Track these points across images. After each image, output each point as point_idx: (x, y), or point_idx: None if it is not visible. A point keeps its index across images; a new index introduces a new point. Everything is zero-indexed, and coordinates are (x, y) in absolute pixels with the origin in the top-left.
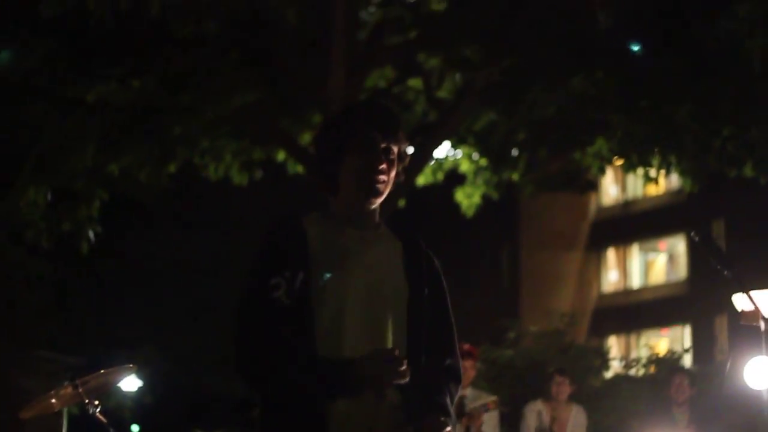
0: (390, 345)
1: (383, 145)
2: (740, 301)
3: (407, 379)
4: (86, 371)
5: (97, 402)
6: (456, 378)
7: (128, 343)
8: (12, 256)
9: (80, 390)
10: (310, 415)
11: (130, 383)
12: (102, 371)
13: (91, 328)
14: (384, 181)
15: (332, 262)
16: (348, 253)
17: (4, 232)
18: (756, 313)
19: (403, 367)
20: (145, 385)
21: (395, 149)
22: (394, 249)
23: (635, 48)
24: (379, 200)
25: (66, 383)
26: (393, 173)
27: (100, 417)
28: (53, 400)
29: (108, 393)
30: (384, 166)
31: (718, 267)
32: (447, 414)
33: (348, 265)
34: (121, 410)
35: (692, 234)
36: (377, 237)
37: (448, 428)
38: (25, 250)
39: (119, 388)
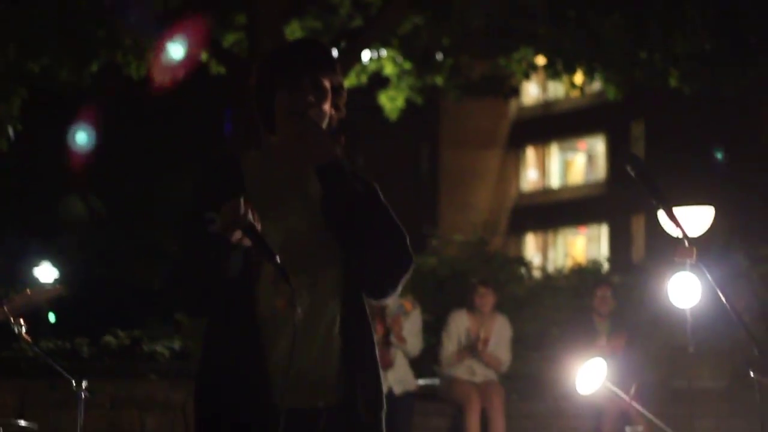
0: (326, 275)
1: (310, 77)
2: (666, 221)
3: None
4: (4, 267)
5: (22, 321)
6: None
7: (44, 234)
8: None
9: (5, 309)
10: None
11: (47, 273)
12: (28, 291)
13: (6, 219)
14: (314, 114)
15: (267, 198)
16: (283, 188)
17: None
18: (691, 250)
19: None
20: (61, 276)
21: (326, 82)
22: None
23: None
24: None
25: None
26: (326, 106)
27: (26, 337)
28: None
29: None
30: (311, 98)
31: (654, 202)
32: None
33: (282, 201)
34: (41, 305)
35: (628, 168)
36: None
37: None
38: None
39: (36, 278)
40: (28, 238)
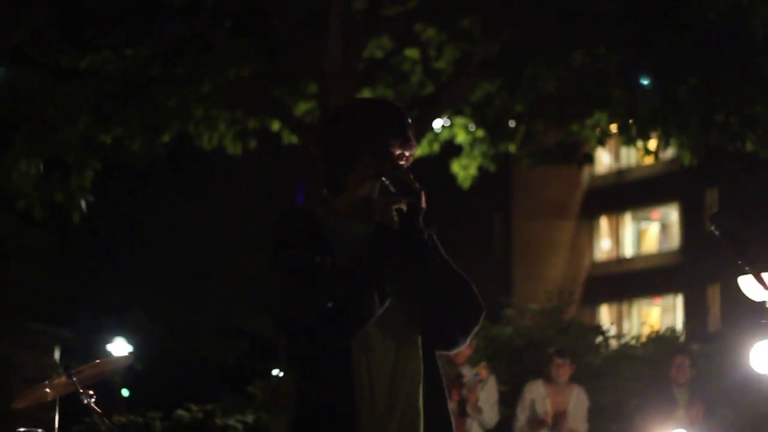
0: (409, 335)
1: (398, 152)
2: (746, 285)
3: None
4: (76, 341)
5: (91, 392)
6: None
7: (119, 310)
8: (4, 225)
9: (74, 379)
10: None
11: (121, 349)
12: (97, 361)
13: (81, 295)
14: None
15: (347, 254)
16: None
17: None
18: None
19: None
20: (135, 350)
21: (408, 154)
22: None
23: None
24: None
25: (60, 373)
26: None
27: (95, 407)
28: (47, 390)
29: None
30: (402, 163)
31: (739, 262)
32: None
33: None
34: (111, 375)
35: (713, 228)
36: None
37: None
38: (16, 219)
39: (110, 353)
40: (102, 315)
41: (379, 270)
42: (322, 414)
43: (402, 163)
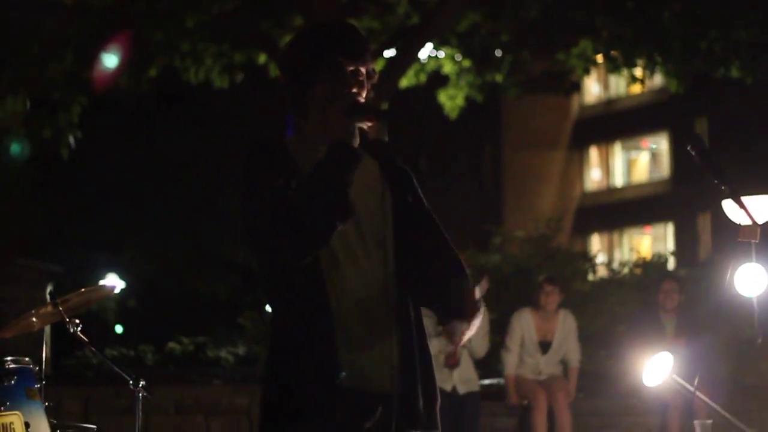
0: (384, 260)
1: (351, 68)
2: (730, 209)
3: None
4: (68, 277)
5: (78, 321)
6: (462, 269)
7: (111, 246)
8: None
9: (60, 309)
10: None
11: (113, 284)
12: (83, 290)
13: (73, 232)
14: (360, 100)
15: None
16: None
17: None
18: (754, 229)
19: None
20: (127, 287)
21: (363, 70)
22: (371, 168)
23: None
24: None
25: (47, 302)
26: (364, 94)
27: (81, 336)
28: (33, 319)
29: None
30: (355, 90)
31: (716, 182)
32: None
33: None
34: (104, 312)
35: (689, 148)
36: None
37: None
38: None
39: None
40: (95, 252)
41: (333, 185)
42: (297, 339)
43: (360, 79)
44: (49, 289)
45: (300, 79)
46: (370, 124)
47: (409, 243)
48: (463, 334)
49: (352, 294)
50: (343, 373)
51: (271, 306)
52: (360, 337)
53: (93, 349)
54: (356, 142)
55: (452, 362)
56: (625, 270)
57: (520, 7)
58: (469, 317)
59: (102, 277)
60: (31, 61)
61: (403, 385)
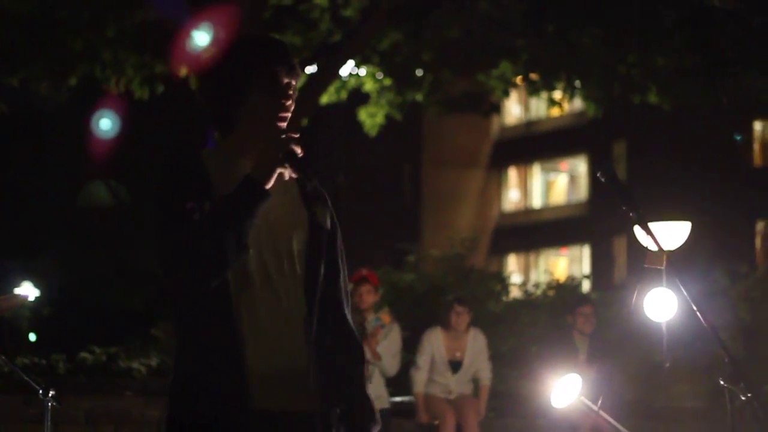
0: (290, 273)
1: (286, 81)
2: (641, 235)
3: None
4: None
5: None
6: (362, 359)
7: (25, 253)
8: None
9: None
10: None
11: (28, 293)
12: (15, 294)
13: None
14: (287, 119)
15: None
16: None
17: None
18: (660, 256)
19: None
20: (42, 295)
21: (294, 84)
22: (288, 184)
23: None
24: None
25: None
26: (291, 109)
27: None
28: None
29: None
30: (290, 103)
31: (624, 209)
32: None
33: None
34: (18, 320)
35: (598, 174)
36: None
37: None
38: None
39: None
40: (8, 260)
41: (236, 221)
42: (204, 359)
43: (291, 92)
44: None
45: (233, 91)
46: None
47: (318, 266)
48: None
49: (265, 315)
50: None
51: (175, 325)
52: (273, 358)
53: (2, 357)
54: (274, 174)
55: None
56: (539, 291)
57: (441, 27)
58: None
59: (16, 285)
60: None
61: (324, 404)
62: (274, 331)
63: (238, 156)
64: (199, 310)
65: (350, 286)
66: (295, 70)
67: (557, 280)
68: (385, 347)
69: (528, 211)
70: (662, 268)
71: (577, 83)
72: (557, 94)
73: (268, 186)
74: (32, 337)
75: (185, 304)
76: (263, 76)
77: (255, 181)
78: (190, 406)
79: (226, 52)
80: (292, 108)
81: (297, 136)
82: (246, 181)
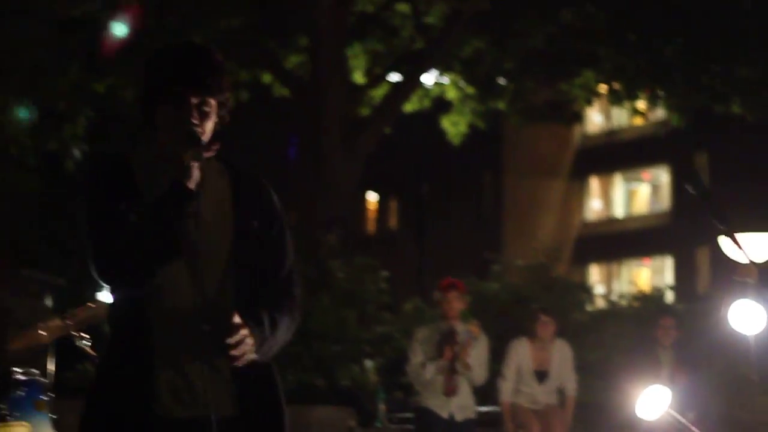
0: (215, 283)
1: (196, 101)
2: (727, 246)
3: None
4: (69, 291)
5: (86, 335)
6: (285, 294)
7: None
8: None
9: (69, 323)
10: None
11: (107, 300)
12: (90, 305)
13: (75, 248)
14: (199, 133)
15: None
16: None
17: None
18: (752, 269)
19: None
20: None
21: (212, 101)
22: (220, 185)
23: None
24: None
25: (50, 314)
26: (209, 124)
27: (88, 350)
28: (42, 332)
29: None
30: (195, 120)
31: (713, 221)
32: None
33: None
34: (104, 321)
35: (686, 185)
36: (203, 174)
37: (245, 337)
38: (11, 165)
39: (100, 301)
40: (84, 266)
41: (164, 227)
42: (116, 360)
43: (206, 110)
44: (48, 300)
45: (146, 100)
46: (206, 156)
47: (245, 267)
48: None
49: (178, 316)
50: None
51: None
52: (182, 361)
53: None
54: (196, 174)
55: (450, 389)
56: (624, 302)
57: (524, 36)
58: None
59: (99, 290)
60: (38, 72)
61: (238, 407)
62: (186, 333)
63: (159, 160)
64: (120, 312)
65: (438, 294)
66: (209, 89)
67: (642, 292)
68: (473, 357)
69: (610, 221)
70: (753, 281)
71: (660, 92)
72: (640, 104)
73: (191, 186)
74: None
75: (112, 306)
76: (169, 93)
77: (180, 185)
78: (101, 407)
79: (151, 59)
80: (206, 126)
81: (202, 141)
82: (171, 187)
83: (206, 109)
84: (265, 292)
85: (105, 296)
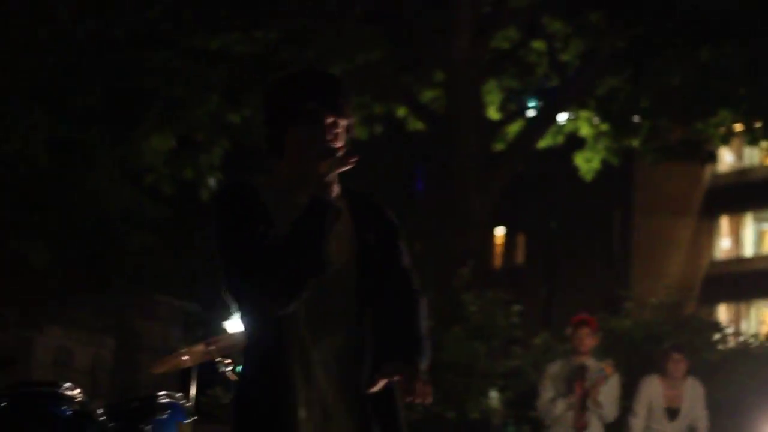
0: (340, 305)
1: (329, 120)
2: None
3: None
4: (198, 315)
5: (228, 360)
6: (409, 283)
7: None
8: (132, 199)
9: (212, 348)
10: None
11: (236, 325)
12: (233, 332)
13: (204, 274)
14: (336, 149)
15: (286, 227)
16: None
17: (126, 175)
18: None
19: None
20: None
21: (342, 123)
22: (340, 203)
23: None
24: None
25: (189, 340)
26: (339, 147)
27: (231, 375)
28: (185, 357)
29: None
30: (333, 139)
31: None
32: (415, 353)
33: None
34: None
35: None
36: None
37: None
38: (143, 194)
39: (225, 330)
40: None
41: (311, 242)
42: (257, 397)
43: (337, 131)
44: (178, 327)
45: (277, 122)
46: (347, 168)
47: (368, 280)
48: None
49: (312, 339)
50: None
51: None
52: (318, 385)
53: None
54: (334, 190)
55: (581, 425)
56: (755, 341)
57: (660, 73)
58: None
59: (226, 318)
60: (177, 102)
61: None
62: (322, 363)
63: (285, 188)
64: (255, 340)
65: (569, 329)
66: (341, 109)
67: None
68: (605, 393)
69: (739, 260)
70: None
71: None
72: None
73: (330, 200)
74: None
75: (250, 329)
76: (304, 111)
77: (322, 199)
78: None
79: (280, 82)
80: (341, 145)
81: (337, 147)
82: (313, 201)
83: (337, 130)
84: (387, 291)
85: (233, 324)
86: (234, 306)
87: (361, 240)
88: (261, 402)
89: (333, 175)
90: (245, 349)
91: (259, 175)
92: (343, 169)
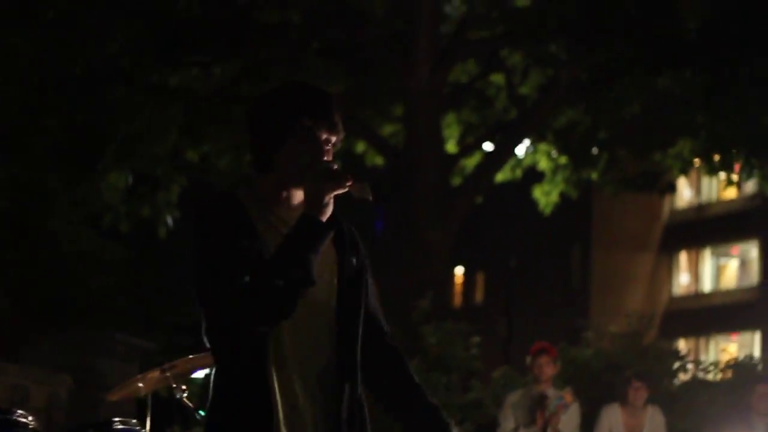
0: (326, 319)
1: (324, 137)
2: None
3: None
4: (157, 355)
5: (184, 387)
6: (399, 354)
7: (197, 330)
8: (90, 241)
9: (168, 374)
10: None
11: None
12: (190, 356)
13: (162, 312)
14: (335, 168)
15: (271, 241)
16: (281, 233)
17: (82, 215)
18: None
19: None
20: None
21: (334, 139)
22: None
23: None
24: None
25: (155, 368)
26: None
27: (187, 402)
28: (140, 384)
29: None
30: (326, 158)
31: None
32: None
33: None
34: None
35: None
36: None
37: None
38: (98, 234)
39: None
40: (181, 332)
41: (301, 260)
42: (237, 406)
43: (328, 148)
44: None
45: (270, 135)
46: (346, 188)
47: (352, 312)
48: None
49: (294, 361)
50: None
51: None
52: (301, 408)
53: (199, 414)
54: (329, 209)
55: None
56: (714, 371)
57: (619, 104)
58: None
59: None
60: (135, 139)
61: None
62: (303, 379)
63: (272, 201)
64: (237, 359)
65: (529, 358)
66: (336, 126)
67: (735, 359)
68: (566, 422)
69: (698, 296)
70: None
71: (755, 162)
72: (735, 175)
73: (324, 220)
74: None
75: (226, 347)
76: (300, 129)
77: (312, 217)
78: None
79: (272, 96)
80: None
81: (335, 167)
82: (303, 219)
83: (329, 147)
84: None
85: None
86: (211, 323)
87: (342, 263)
88: (241, 424)
89: (329, 197)
90: (217, 371)
91: (239, 188)
92: (340, 191)
